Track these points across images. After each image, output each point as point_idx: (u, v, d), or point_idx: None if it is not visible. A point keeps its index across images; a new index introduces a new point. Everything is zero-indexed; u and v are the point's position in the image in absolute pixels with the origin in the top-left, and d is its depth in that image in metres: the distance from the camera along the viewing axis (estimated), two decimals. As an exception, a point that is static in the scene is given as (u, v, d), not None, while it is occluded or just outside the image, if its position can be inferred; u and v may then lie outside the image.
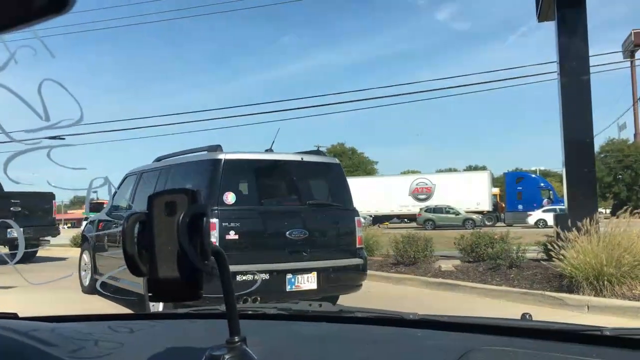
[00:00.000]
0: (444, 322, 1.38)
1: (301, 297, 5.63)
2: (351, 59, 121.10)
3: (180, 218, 0.75)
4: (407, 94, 26.98)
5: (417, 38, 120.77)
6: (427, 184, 42.28)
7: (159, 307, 6.09)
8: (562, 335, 1.21)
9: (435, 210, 38.17)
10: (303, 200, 6.60)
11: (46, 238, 13.88)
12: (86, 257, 9.01)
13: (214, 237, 5.67)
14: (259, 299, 5.08)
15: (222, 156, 6.05)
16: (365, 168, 69.16)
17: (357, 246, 6.83)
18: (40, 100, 0.64)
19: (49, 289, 6.98)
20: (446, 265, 10.46)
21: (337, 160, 7.37)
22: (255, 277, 5.45)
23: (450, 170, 61.21)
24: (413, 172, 52.40)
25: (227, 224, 5.74)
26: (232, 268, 4.00)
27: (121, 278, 7.07)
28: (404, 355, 1.15)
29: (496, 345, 1.12)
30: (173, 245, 0.76)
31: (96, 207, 8.50)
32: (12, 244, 12.77)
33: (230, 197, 5.87)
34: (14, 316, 1.37)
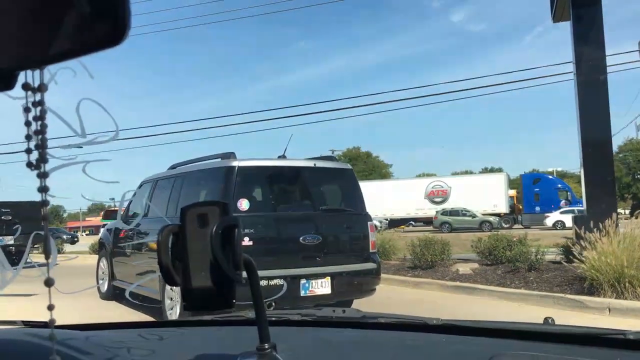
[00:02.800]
0: (467, 327, 1.38)
1: (315, 302, 5.72)
2: (366, 62, 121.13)
3: (214, 229, 0.77)
4: (421, 97, 26.85)
5: (431, 41, 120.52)
6: (442, 187, 42.01)
7: (176, 313, 6.34)
8: (586, 339, 1.21)
9: (452, 213, 37.88)
10: (316, 206, 6.66)
11: (37, 246, 13.78)
12: (103, 264, 9.10)
13: None
14: (273, 304, 4.97)
15: (235, 163, 6.10)
16: (380, 172, 69.05)
17: (371, 251, 6.85)
18: (78, 118, 0.66)
19: (66, 296, 6.83)
20: (464, 268, 10.39)
21: (349, 166, 7.47)
22: (270, 282, 5.52)
23: (466, 172, 60.89)
24: (428, 175, 52.11)
25: (241, 230, 5.60)
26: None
27: (142, 285, 7.17)
28: (439, 358, 1.15)
29: (520, 350, 1.12)
30: (206, 256, 0.78)
31: (110, 214, 8.76)
32: (5, 251, 12.44)
33: (244, 204, 5.93)
34: (44, 325, 1.36)
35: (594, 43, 9.89)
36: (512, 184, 44.39)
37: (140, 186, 8.56)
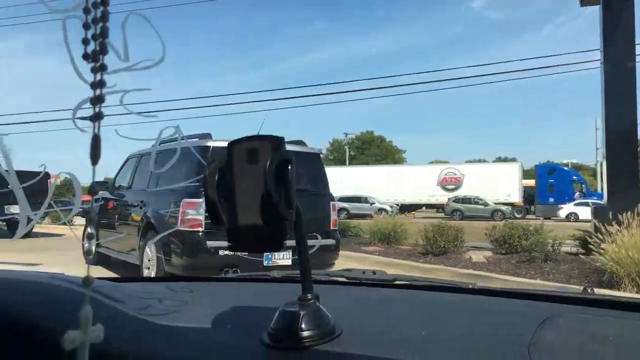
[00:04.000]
0: (508, 292, 1.35)
1: (278, 271, 5.92)
2: (384, 46, 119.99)
3: (267, 164, 0.73)
4: (436, 81, 26.43)
5: (451, 26, 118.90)
6: (455, 174, 41.67)
7: (152, 274, 6.81)
8: (630, 306, 1.18)
9: (464, 200, 37.57)
10: None
11: (45, 216, 14.39)
12: (89, 231, 9.35)
13: (201, 215, 6.25)
14: (238, 270, 5.55)
15: (210, 144, 6.57)
16: (393, 157, 68.67)
17: (331, 228, 7.54)
18: (123, 37, 0.58)
19: (57, 263, 7.26)
20: (477, 256, 10.16)
21: (316, 151, 7.98)
22: (236, 252, 5.82)
23: (479, 161, 60.41)
24: (441, 162, 51.70)
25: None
26: (216, 244, 6.22)
27: (118, 250, 8.09)
28: (481, 318, 1.09)
29: (572, 313, 1.09)
30: (256, 193, 0.74)
31: (99, 185, 8.95)
32: (9, 222, 12.99)
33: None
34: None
35: (624, 28, 9.51)
36: (525, 174, 43.90)
37: (126, 160, 9.08)
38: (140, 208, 7.72)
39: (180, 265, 6.49)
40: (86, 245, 8.45)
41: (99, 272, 8.18)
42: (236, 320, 1.04)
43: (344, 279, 1.56)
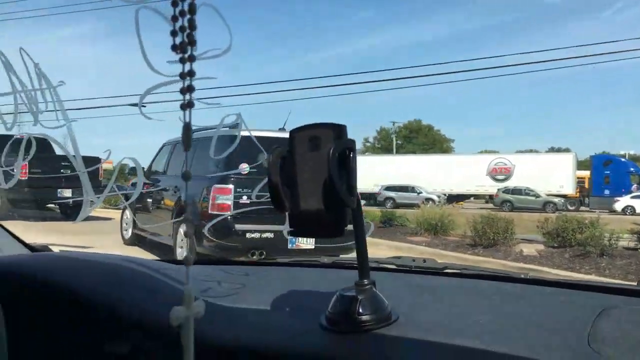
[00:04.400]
0: (561, 282, 1.34)
1: (300, 255, 6.26)
2: (432, 33, 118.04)
3: (331, 152, 0.74)
4: (487, 68, 25.68)
5: (502, 12, 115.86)
6: (506, 164, 40.60)
7: (181, 257, 6.83)
8: None
9: (514, 191, 36.57)
10: None
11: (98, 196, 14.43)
12: (127, 214, 9.94)
13: (229, 200, 6.68)
14: (264, 253, 6.23)
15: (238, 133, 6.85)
16: (441, 146, 67.60)
17: None
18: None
19: (94, 241, 7.34)
20: (528, 249, 9.80)
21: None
22: (262, 235, 6.57)
23: (530, 151, 58.81)
24: (491, 152, 50.53)
25: (240, 189, 6.66)
26: (244, 227, 6.89)
27: (157, 234, 8.43)
28: (536, 308, 1.07)
29: (628, 304, 1.07)
30: (318, 180, 0.76)
31: (135, 171, 9.29)
32: (62, 205, 13.42)
33: (244, 167, 6.44)
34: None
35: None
36: (580, 165, 42.46)
37: (162, 147, 9.51)
38: (174, 193, 8.03)
39: (210, 247, 6.73)
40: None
41: (137, 252, 8.66)
42: (294, 303, 1.05)
43: (393, 266, 1.55)
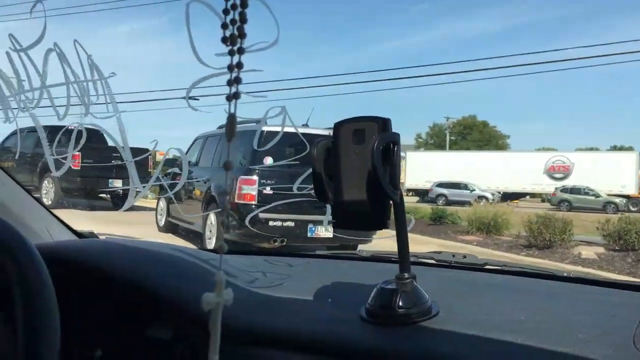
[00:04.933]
0: (606, 282, 1.34)
1: (320, 243, 7.02)
2: (487, 27, 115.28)
3: (375, 145, 0.75)
4: (544, 62, 24.63)
5: (563, 5, 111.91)
6: (564, 162, 39.17)
7: (211, 245, 7.69)
8: None
9: (572, 190, 35.20)
10: None
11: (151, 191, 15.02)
12: (162, 203, 10.64)
13: (254, 191, 7.19)
14: (285, 240, 6.83)
15: (264, 128, 7.02)
16: (496, 142, 65.98)
17: None
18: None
19: (131, 227, 7.66)
20: (587, 252, 9.29)
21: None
22: (284, 224, 7.13)
23: (591, 149, 56.56)
24: (549, 149, 48.90)
25: (264, 180, 7.18)
26: (267, 216, 7.34)
27: (189, 222, 9.01)
28: (580, 306, 1.06)
29: None
30: (361, 173, 0.76)
31: (171, 162, 9.98)
32: (113, 194, 14.21)
33: (268, 161, 6.65)
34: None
35: None
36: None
37: (194, 141, 10.10)
38: (205, 183, 8.61)
39: (236, 233, 7.35)
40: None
41: (170, 239, 9.15)
42: (334, 295, 1.06)
43: (433, 261, 1.55)
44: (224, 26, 0.50)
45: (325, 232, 7.23)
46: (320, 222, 6.97)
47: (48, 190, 12.78)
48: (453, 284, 1.24)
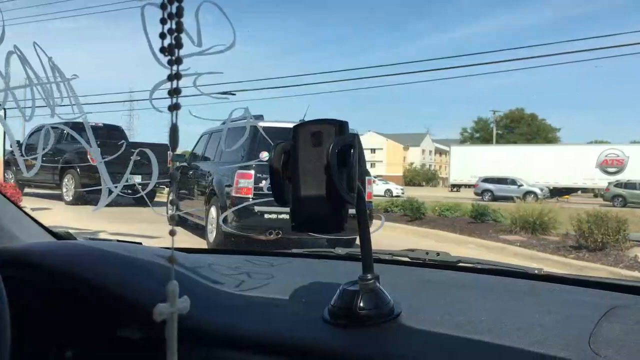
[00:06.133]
0: (572, 279, 1.34)
1: (316, 239, 6.80)
2: (535, 18, 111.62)
3: (330, 148, 0.76)
4: (596, 49, 23.04)
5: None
6: (618, 156, 37.22)
7: (211, 237, 8.17)
8: None
9: (627, 185, 33.33)
10: None
11: (162, 185, 15.09)
12: (172, 197, 11.45)
13: (250, 184, 7.40)
14: (280, 233, 6.98)
15: (261, 124, 7.43)
16: (545, 136, 63.71)
17: (366, 200, 8.34)
18: (197, 23, 0.65)
19: (140, 221, 7.89)
20: (645, 254, 8.26)
21: (354, 131, 8.79)
22: (279, 216, 7.14)
23: (648, 141, 53.69)
24: (601, 142, 46.67)
25: (260, 174, 7.36)
26: (263, 209, 7.93)
27: (196, 214, 9.29)
28: (543, 306, 1.05)
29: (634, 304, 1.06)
30: (319, 176, 0.77)
31: (178, 157, 10.22)
32: (133, 189, 13.84)
33: (264, 155, 6.41)
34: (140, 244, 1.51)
35: None
36: None
37: (201, 136, 10.42)
38: (207, 178, 8.93)
39: (234, 226, 7.56)
40: (170, 212, 9.52)
41: (180, 232, 9.26)
42: (303, 295, 1.06)
43: (407, 259, 1.57)
44: (162, 36, 0.50)
45: None
46: None
47: (68, 187, 12.86)
48: (422, 284, 1.26)
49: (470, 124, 71.59)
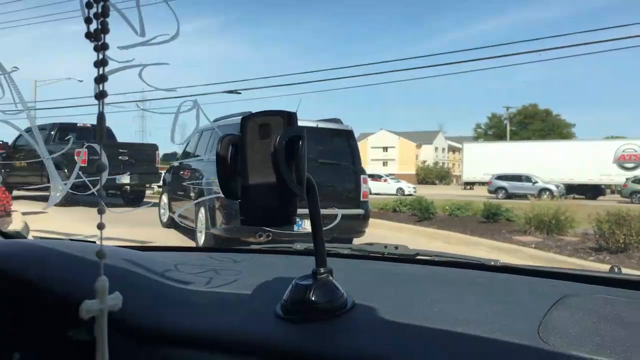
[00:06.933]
0: (528, 270, 1.36)
1: (306, 238, 5.82)
2: (552, 13, 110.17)
3: (277, 140, 0.75)
4: (611, 40, 22.20)
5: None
6: (636, 151, 36.22)
7: (201, 240, 7.99)
8: None
9: (646, 181, 32.48)
10: (314, 159, 7.60)
11: (151, 185, 15.98)
12: (164, 198, 10.94)
13: None
14: (270, 235, 6.38)
15: None
16: (560, 132, 62.64)
17: (362, 199, 8.14)
18: (138, 13, 0.65)
19: (133, 223, 7.50)
20: (672, 256, 7.62)
21: (349, 128, 8.42)
22: None
23: (666, 135, 52.44)
24: (618, 137, 45.54)
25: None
26: None
27: (185, 214, 9.00)
28: (497, 296, 1.08)
29: (592, 293, 1.08)
30: (267, 169, 0.76)
31: (169, 157, 10.63)
32: (121, 189, 14.74)
33: None
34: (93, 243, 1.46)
35: None
36: None
37: (192, 134, 10.03)
38: (197, 177, 8.85)
39: (222, 228, 7.46)
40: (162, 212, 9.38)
41: (173, 234, 9.46)
42: (258, 291, 1.06)
43: (366, 253, 1.58)
44: (87, 20, 0.49)
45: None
46: (306, 216, 7.25)
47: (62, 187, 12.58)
48: (378, 276, 1.26)
49: (484, 121, 70.70)
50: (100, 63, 0.49)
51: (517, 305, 0.99)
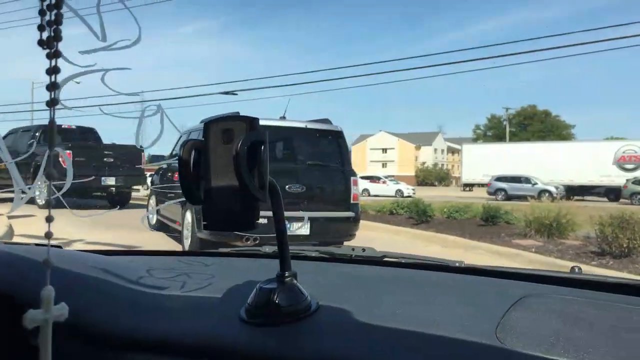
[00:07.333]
0: (493, 271, 1.38)
1: (295, 241, 6.80)
2: (552, 13, 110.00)
3: (239, 145, 0.75)
4: (610, 39, 21.93)
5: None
6: (636, 152, 35.93)
7: (187, 244, 7.86)
8: (615, 287, 1.20)
9: (646, 182, 32.21)
10: (304, 161, 7.80)
11: (136, 187, 15.80)
12: (152, 201, 10.88)
13: None
14: (258, 239, 6.07)
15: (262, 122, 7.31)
16: (559, 133, 62.39)
17: (352, 202, 7.94)
18: (99, 18, 0.65)
19: (122, 227, 7.73)
20: (677, 261, 7.34)
21: (339, 128, 8.24)
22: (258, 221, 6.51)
23: (666, 136, 52.08)
24: (618, 138, 45.24)
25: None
26: None
27: (172, 217, 8.90)
28: (460, 297, 1.09)
29: (553, 293, 1.11)
30: (230, 173, 0.77)
31: (155, 159, 10.41)
32: (107, 191, 14.51)
33: None
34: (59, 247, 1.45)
35: None
36: None
37: (181, 136, 10.20)
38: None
39: (209, 232, 7.27)
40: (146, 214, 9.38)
41: (161, 238, 9.24)
42: (224, 295, 1.05)
43: (333, 256, 1.59)
44: (40, 28, 0.49)
45: (301, 229, 7.16)
46: (295, 219, 7.00)
47: (41, 190, 12.46)
48: (344, 279, 1.26)
49: (484, 122, 70.45)
50: (53, 70, 0.49)
51: (477, 307, 1.00)
